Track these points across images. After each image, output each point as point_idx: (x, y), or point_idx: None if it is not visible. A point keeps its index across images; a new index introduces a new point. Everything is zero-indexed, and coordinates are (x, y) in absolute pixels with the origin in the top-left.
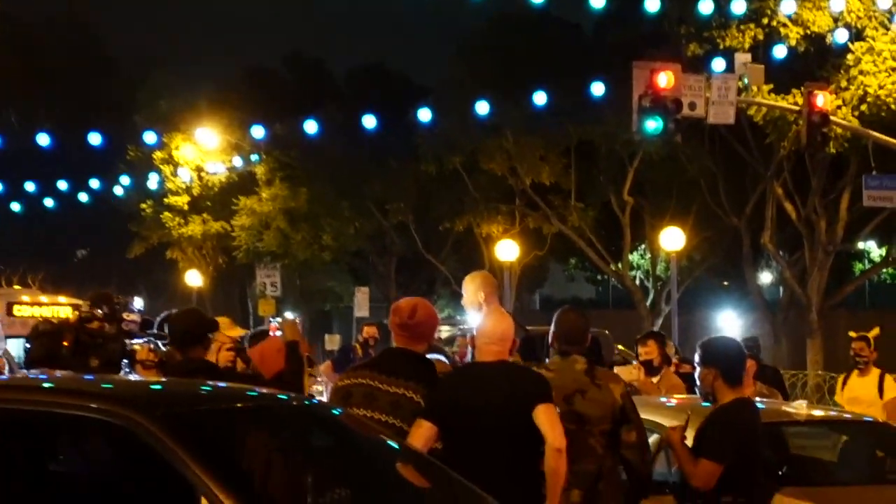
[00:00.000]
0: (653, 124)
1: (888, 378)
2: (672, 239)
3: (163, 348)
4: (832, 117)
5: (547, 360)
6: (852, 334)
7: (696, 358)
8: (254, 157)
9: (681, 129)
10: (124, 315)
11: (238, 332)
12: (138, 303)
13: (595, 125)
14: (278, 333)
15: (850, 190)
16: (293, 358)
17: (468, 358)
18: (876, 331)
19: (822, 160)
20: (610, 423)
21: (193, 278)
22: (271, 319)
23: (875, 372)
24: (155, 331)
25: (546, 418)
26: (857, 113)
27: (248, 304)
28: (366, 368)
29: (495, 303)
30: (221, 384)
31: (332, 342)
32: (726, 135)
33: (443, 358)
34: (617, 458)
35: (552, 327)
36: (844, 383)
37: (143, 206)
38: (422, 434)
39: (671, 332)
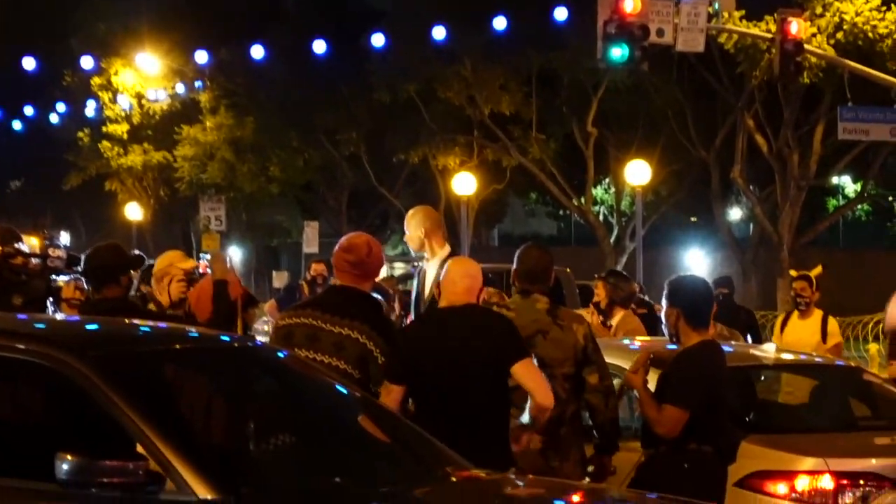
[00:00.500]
0: (618, 52)
1: (832, 321)
2: (637, 173)
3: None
4: (806, 46)
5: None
6: (793, 273)
7: (663, 296)
8: (197, 84)
9: (648, 58)
10: (49, 251)
11: (191, 264)
12: (64, 238)
13: (558, 52)
14: (209, 272)
15: (824, 122)
16: (220, 298)
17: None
18: (818, 269)
19: (796, 91)
20: (573, 366)
21: (133, 211)
22: (201, 256)
23: (817, 314)
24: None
25: (528, 376)
26: (832, 41)
27: (192, 239)
28: (308, 307)
29: (438, 239)
30: (162, 324)
31: (280, 279)
32: (695, 63)
33: (380, 297)
34: (580, 403)
35: (514, 265)
36: (784, 325)
37: (81, 134)
38: (392, 399)
39: (636, 270)
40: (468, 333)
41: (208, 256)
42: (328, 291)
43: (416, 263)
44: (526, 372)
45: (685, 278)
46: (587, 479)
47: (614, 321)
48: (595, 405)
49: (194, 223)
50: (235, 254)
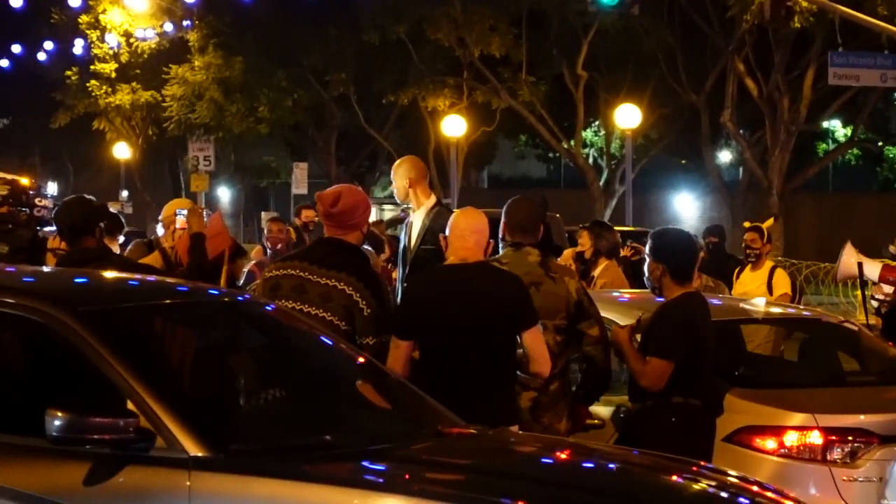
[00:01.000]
0: None
1: (779, 272)
2: (627, 116)
3: None
4: None
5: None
6: (746, 224)
7: (647, 249)
8: (186, 23)
9: (638, 1)
10: (36, 201)
11: (187, 205)
12: (51, 188)
13: None
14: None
15: (814, 67)
16: (195, 252)
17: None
18: (770, 221)
19: (786, 35)
20: (564, 318)
21: (122, 151)
22: (178, 213)
23: (767, 266)
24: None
25: (535, 343)
26: None
27: (180, 179)
28: (295, 259)
29: (423, 188)
30: (151, 278)
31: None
32: (686, 6)
33: (371, 249)
34: (568, 357)
35: (503, 217)
36: (737, 277)
37: (68, 73)
38: (400, 355)
39: (625, 213)
40: (482, 293)
41: (185, 212)
42: (315, 243)
43: (404, 207)
44: (534, 339)
45: (669, 232)
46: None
47: (597, 271)
48: (594, 356)
49: (183, 163)
50: (224, 194)
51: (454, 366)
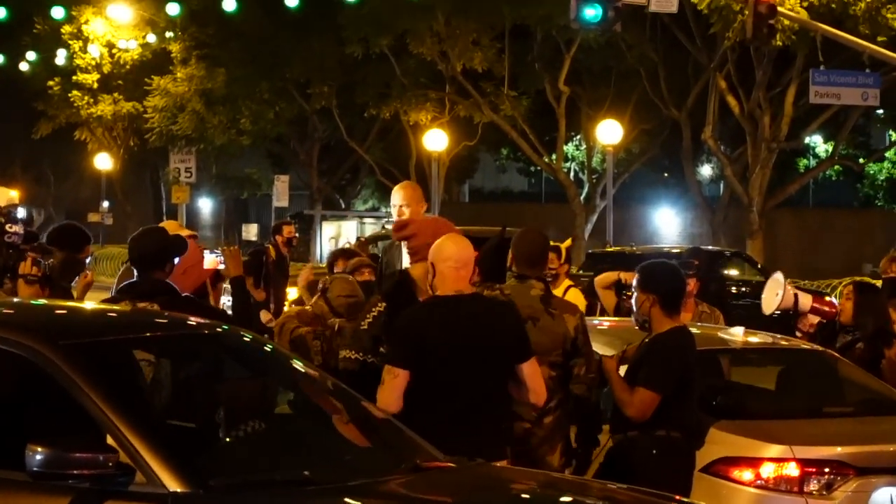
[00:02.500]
0: (592, 12)
1: (572, 292)
2: (609, 131)
3: (45, 262)
4: (779, 8)
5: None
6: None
7: (635, 282)
8: (168, 34)
9: (621, 18)
10: (7, 227)
11: (185, 233)
12: (21, 212)
13: (531, 8)
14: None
15: (796, 84)
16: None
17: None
18: (568, 242)
19: (768, 53)
20: (560, 355)
21: (103, 161)
22: (212, 252)
23: (564, 285)
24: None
25: (532, 375)
26: (805, 4)
27: (161, 191)
28: None
29: (418, 211)
30: (131, 310)
31: (250, 232)
32: (668, 23)
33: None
34: (566, 393)
35: (511, 248)
36: None
37: (51, 83)
38: (398, 385)
39: (606, 228)
40: (481, 325)
41: (217, 253)
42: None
43: (388, 220)
44: (531, 371)
45: (657, 265)
46: (569, 470)
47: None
48: (580, 395)
49: (164, 174)
50: (205, 206)
51: (450, 398)
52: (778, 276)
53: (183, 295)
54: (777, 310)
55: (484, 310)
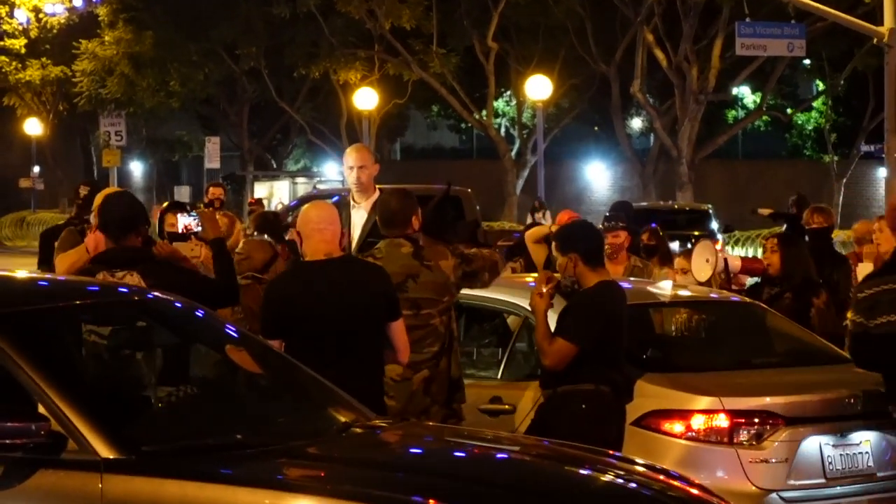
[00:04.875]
0: None
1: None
2: (538, 87)
3: None
4: None
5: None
6: None
7: (554, 249)
8: None
9: None
10: None
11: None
12: None
13: None
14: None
15: (722, 36)
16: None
17: None
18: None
19: (694, 5)
20: (446, 302)
21: (33, 126)
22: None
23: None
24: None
25: (398, 336)
26: None
27: (92, 155)
28: None
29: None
30: (60, 278)
31: (182, 194)
32: None
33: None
34: (455, 335)
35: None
36: None
37: None
38: None
39: (537, 183)
40: (348, 288)
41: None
42: None
43: (319, 180)
44: (397, 332)
45: (572, 225)
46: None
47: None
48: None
49: (94, 138)
50: (136, 169)
51: (322, 362)
52: (705, 242)
53: (161, 259)
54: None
55: (352, 272)
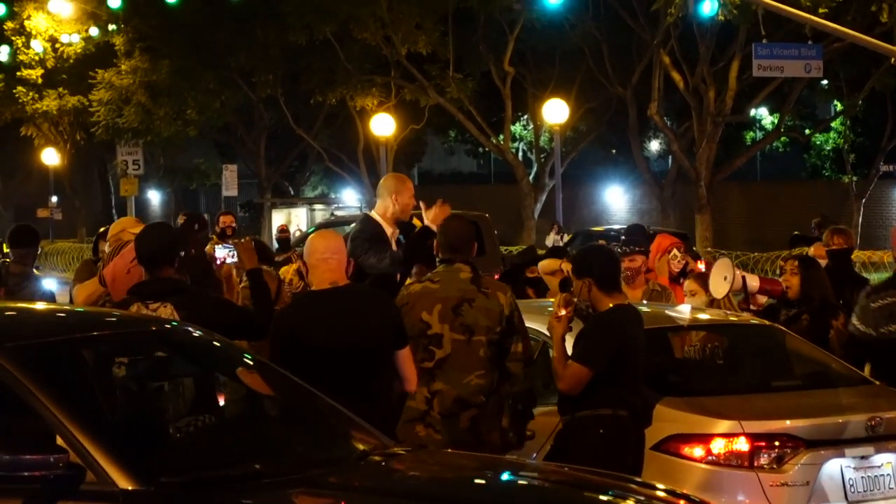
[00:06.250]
0: None
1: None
2: (555, 111)
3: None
4: None
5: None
6: None
7: (570, 273)
8: (111, 27)
9: None
10: None
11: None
12: None
13: None
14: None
15: (739, 58)
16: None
17: None
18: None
19: (711, 27)
20: (497, 333)
21: (50, 156)
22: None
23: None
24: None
25: (406, 364)
26: None
27: (110, 184)
28: None
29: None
30: (79, 310)
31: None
32: (611, 1)
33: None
34: (502, 371)
35: (437, 236)
36: None
37: None
38: None
39: (556, 207)
40: (355, 318)
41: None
42: None
43: (336, 206)
44: (405, 360)
45: (588, 249)
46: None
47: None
48: (515, 373)
49: (112, 167)
50: (154, 198)
51: (330, 391)
52: (725, 260)
53: (195, 290)
54: (731, 293)
55: (358, 301)
